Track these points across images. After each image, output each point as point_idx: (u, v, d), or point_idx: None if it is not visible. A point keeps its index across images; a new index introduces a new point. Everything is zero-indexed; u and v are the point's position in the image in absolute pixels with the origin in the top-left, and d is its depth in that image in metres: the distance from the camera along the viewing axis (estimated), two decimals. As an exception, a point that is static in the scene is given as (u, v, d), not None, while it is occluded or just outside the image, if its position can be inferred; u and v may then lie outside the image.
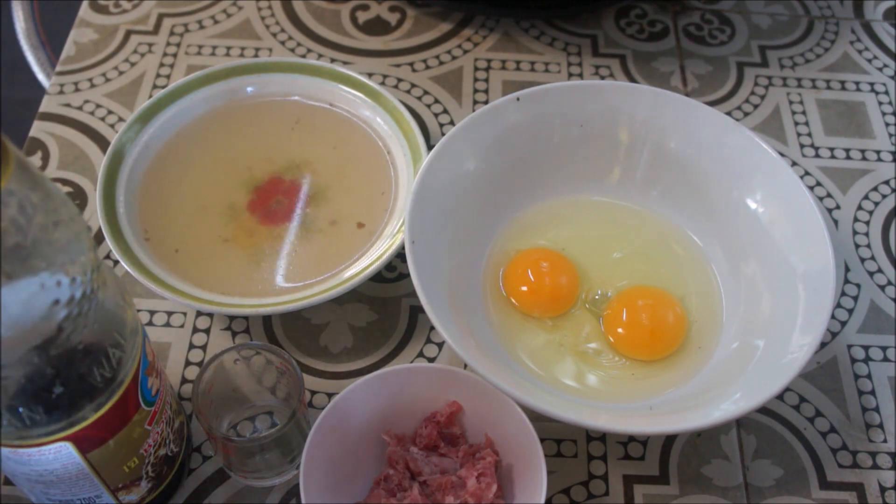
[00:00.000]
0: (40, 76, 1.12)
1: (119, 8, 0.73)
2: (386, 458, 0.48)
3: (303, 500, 0.43)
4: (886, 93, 0.71)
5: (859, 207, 0.64)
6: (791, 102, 0.70)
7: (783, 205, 0.54)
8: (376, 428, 0.48)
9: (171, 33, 0.71)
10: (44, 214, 0.31)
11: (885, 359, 0.57)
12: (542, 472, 0.44)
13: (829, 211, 0.64)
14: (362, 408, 0.47)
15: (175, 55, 0.69)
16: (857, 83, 0.71)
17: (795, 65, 0.72)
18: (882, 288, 0.60)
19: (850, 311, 0.59)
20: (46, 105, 0.66)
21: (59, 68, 0.69)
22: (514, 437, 0.46)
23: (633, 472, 0.52)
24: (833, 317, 0.58)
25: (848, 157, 0.67)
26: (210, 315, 0.57)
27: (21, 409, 0.35)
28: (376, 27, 0.73)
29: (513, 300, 0.55)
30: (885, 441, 0.53)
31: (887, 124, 0.69)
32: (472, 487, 0.45)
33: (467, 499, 0.45)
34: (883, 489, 0.52)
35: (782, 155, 0.61)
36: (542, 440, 0.53)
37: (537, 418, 0.46)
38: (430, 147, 0.59)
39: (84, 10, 0.72)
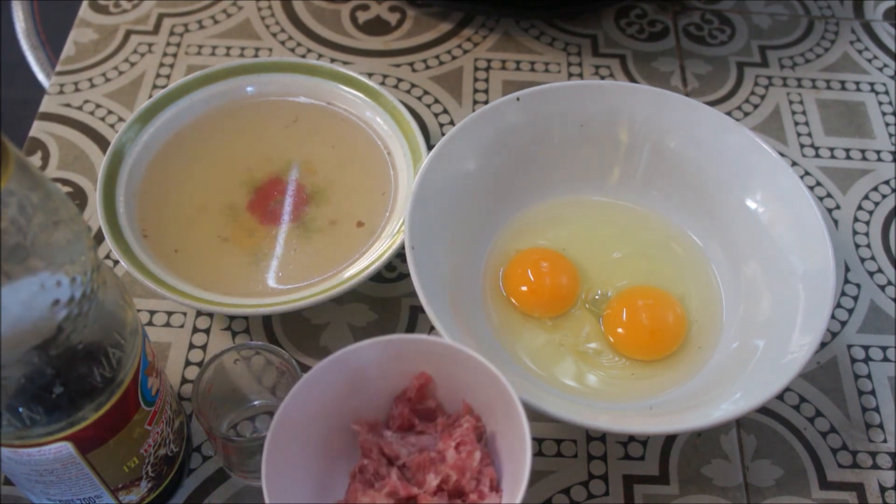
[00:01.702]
0: (40, 76, 1.12)
1: (119, 8, 0.73)
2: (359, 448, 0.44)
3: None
4: (886, 93, 0.71)
5: (859, 207, 0.64)
6: (791, 102, 0.70)
7: (783, 205, 0.54)
8: (346, 419, 0.44)
9: (171, 33, 0.71)
10: (44, 214, 0.31)
11: (885, 359, 0.57)
12: (524, 430, 0.39)
13: (829, 211, 0.64)
14: (323, 398, 0.43)
15: (175, 55, 0.69)
16: (857, 83, 0.71)
17: (795, 65, 0.72)
18: (882, 288, 0.60)
19: (850, 311, 0.59)
20: (46, 105, 0.66)
21: (59, 68, 0.69)
22: (494, 401, 0.42)
23: (633, 472, 0.52)
24: (833, 317, 0.58)
25: (848, 157, 0.67)
26: (210, 315, 0.57)
27: (21, 409, 0.35)
28: (376, 27, 0.73)
29: (513, 300, 0.55)
30: (885, 441, 0.53)
31: (887, 124, 0.69)
32: (451, 460, 0.41)
33: (448, 473, 0.41)
34: (883, 489, 0.52)
35: (782, 155, 0.61)
36: (541, 440, 0.52)
37: (537, 418, 0.45)
38: (430, 147, 0.59)
39: (84, 10, 0.72)
